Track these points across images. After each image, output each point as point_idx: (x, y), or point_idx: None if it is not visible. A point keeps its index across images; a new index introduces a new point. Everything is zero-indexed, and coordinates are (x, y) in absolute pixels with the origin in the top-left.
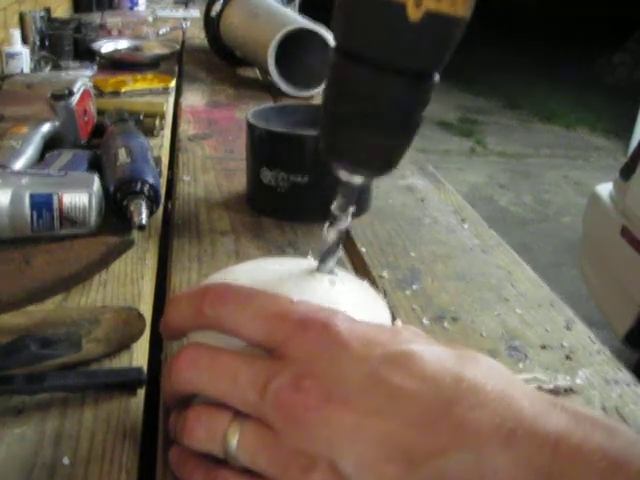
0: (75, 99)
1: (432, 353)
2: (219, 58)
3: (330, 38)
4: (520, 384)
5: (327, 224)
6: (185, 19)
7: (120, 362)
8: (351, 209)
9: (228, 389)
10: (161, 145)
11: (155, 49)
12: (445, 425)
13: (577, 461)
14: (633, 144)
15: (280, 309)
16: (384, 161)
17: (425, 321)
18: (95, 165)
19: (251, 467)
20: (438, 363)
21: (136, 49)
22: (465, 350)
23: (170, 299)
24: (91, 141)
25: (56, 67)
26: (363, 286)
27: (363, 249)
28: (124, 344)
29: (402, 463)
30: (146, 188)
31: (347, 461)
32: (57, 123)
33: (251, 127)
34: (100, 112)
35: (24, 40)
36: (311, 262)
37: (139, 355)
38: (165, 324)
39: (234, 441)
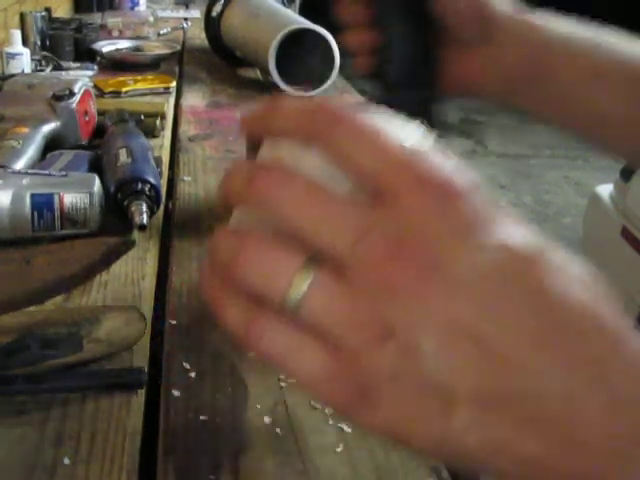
0: (76, 99)
1: (565, 275)
2: (220, 58)
3: (331, 40)
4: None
5: None
6: (186, 19)
7: (121, 362)
8: None
9: (317, 222)
10: (162, 145)
11: (156, 49)
12: (553, 349)
13: None
14: None
15: (401, 152)
16: None
17: None
18: (96, 165)
19: (313, 322)
20: (563, 285)
21: (137, 49)
22: (584, 275)
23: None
24: (92, 141)
25: (57, 67)
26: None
27: None
28: (125, 344)
29: (488, 371)
30: (147, 188)
31: (430, 345)
32: (58, 123)
33: None
34: (101, 112)
35: (25, 40)
36: None
37: (140, 355)
38: (249, 123)
39: (303, 287)
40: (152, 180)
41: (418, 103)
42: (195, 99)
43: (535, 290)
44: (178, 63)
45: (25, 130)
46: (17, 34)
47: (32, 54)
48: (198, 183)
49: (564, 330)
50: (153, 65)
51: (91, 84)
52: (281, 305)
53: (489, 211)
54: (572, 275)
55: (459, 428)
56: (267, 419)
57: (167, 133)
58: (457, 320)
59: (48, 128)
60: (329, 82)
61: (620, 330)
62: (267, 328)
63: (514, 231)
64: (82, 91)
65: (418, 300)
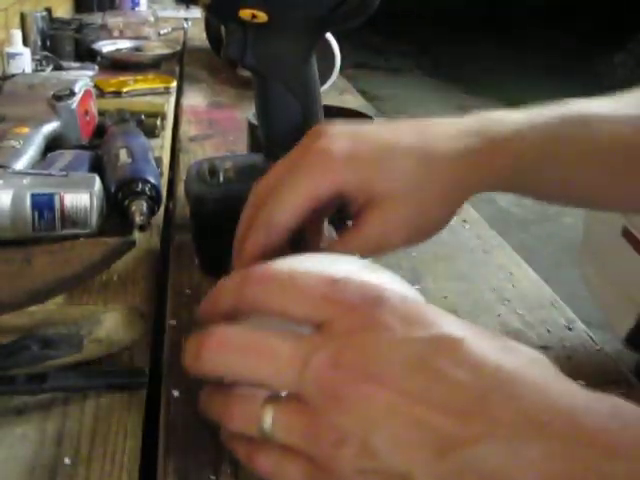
0: (76, 99)
1: (475, 340)
2: (220, 58)
3: (332, 40)
4: (562, 379)
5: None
6: (186, 19)
7: (121, 362)
8: None
9: (264, 369)
10: (162, 145)
11: (156, 49)
12: (480, 414)
13: (614, 456)
14: None
15: (325, 289)
16: None
17: None
18: (96, 165)
19: (286, 444)
20: (480, 351)
21: (137, 49)
22: (508, 341)
23: (210, 291)
24: (92, 141)
25: (57, 67)
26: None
27: None
28: (125, 344)
29: (433, 449)
30: (147, 188)
31: (379, 440)
32: (58, 123)
33: (252, 127)
34: (101, 112)
35: (25, 41)
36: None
37: (140, 355)
38: (203, 313)
39: (269, 420)
40: (152, 180)
41: None
42: (196, 99)
43: (456, 365)
44: (179, 63)
45: (25, 130)
46: (17, 34)
47: (32, 54)
48: None
49: (490, 395)
50: (154, 65)
51: (91, 84)
52: (261, 434)
53: (407, 310)
54: (490, 347)
55: None
56: None
57: (167, 133)
58: (397, 410)
59: (48, 128)
60: (329, 82)
61: (540, 381)
62: (259, 455)
63: (433, 322)
64: (82, 91)
65: (361, 400)
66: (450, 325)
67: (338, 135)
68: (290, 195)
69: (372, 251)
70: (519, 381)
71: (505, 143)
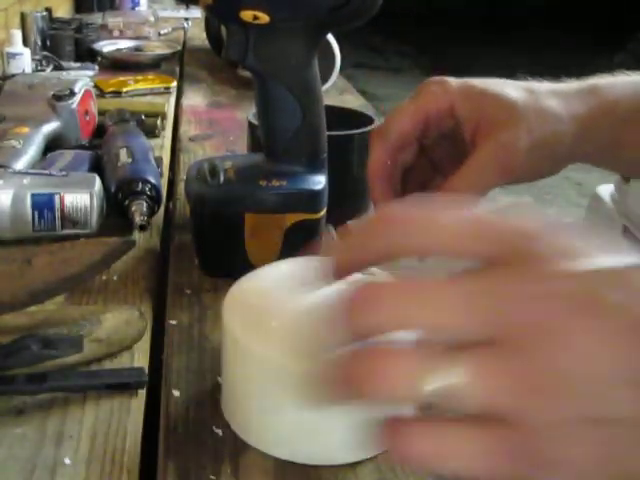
0: (76, 99)
1: None
2: (220, 58)
3: (332, 40)
4: None
5: None
6: (186, 19)
7: (121, 362)
8: None
9: (436, 314)
10: (162, 145)
11: (156, 49)
12: None
13: None
14: None
15: (472, 225)
16: None
17: None
18: (96, 165)
19: (481, 407)
20: None
21: (137, 49)
22: None
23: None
24: (92, 141)
25: (57, 67)
26: None
27: None
28: (125, 344)
29: None
30: (147, 188)
31: (605, 404)
32: (58, 123)
33: (252, 127)
34: (101, 112)
35: (25, 41)
36: None
37: (140, 355)
38: (339, 265)
39: (457, 376)
40: (153, 180)
41: None
42: (196, 99)
43: None
44: (179, 63)
45: (26, 130)
46: (18, 34)
47: (33, 54)
48: None
49: None
50: (154, 65)
51: (92, 84)
52: (436, 408)
53: (565, 243)
54: None
55: None
56: None
57: (168, 133)
58: (620, 370)
59: (49, 128)
60: (329, 82)
61: None
62: (418, 435)
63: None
64: (83, 91)
65: (580, 335)
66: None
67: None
68: (407, 105)
69: (487, 181)
70: None
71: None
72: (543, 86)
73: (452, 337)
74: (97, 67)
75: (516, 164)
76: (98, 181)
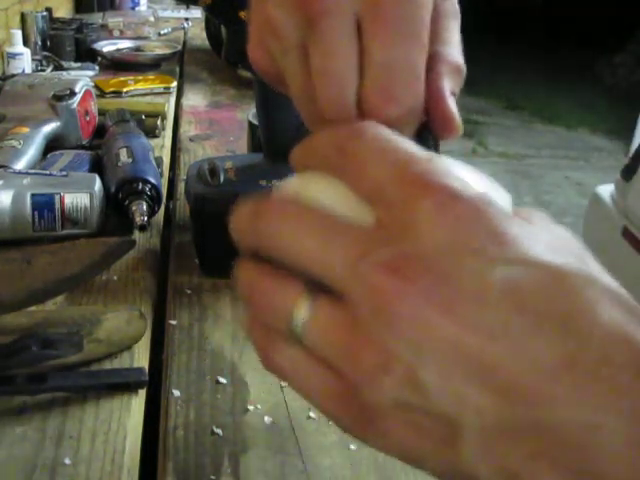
0: (77, 99)
1: (596, 293)
2: (220, 58)
3: None
4: None
5: None
6: (187, 19)
7: (121, 362)
8: None
9: (314, 252)
10: (162, 145)
11: (156, 49)
12: (570, 377)
13: None
14: (634, 145)
15: (411, 158)
16: None
17: None
18: (96, 165)
19: (315, 349)
20: (592, 308)
21: (137, 49)
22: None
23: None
24: (92, 141)
25: (57, 67)
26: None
27: None
28: (125, 344)
29: (497, 401)
30: (147, 188)
31: (431, 374)
32: (59, 123)
33: (252, 127)
34: (101, 112)
35: (25, 41)
36: None
37: (140, 355)
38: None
39: (301, 317)
40: (153, 180)
41: None
42: (196, 99)
43: (559, 312)
44: (179, 63)
45: (26, 130)
46: (18, 34)
47: (33, 54)
48: None
49: (591, 358)
50: (154, 65)
51: (92, 84)
52: (289, 332)
53: (507, 221)
54: (603, 292)
55: (468, 458)
56: (267, 419)
57: (168, 133)
58: (462, 346)
59: (49, 128)
60: None
61: None
62: (278, 352)
63: (537, 243)
64: (83, 91)
65: (419, 326)
66: (553, 252)
67: None
68: None
69: None
70: (630, 347)
71: None
72: None
73: (315, 276)
74: (97, 67)
75: None
76: (98, 181)
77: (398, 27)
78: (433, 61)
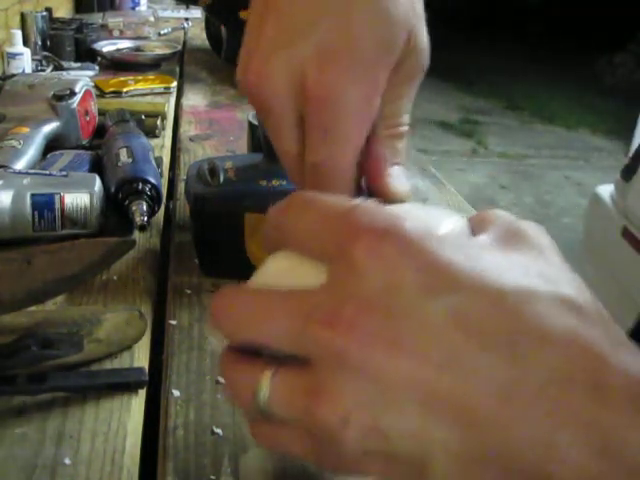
0: (76, 99)
1: (544, 310)
2: (220, 58)
3: None
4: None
5: None
6: (186, 19)
7: (121, 362)
8: None
9: (266, 329)
10: (162, 145)
11: (156, 49)
12: (519, 398)
13: None
14: (634, 145)
15: (336, 212)
16: None
17: None
18: (96, 165)
19: (284, 421)
20: (540, 325)
21: (137, 49)
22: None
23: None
24: (92, 141)
25: (57, 67)
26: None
27: None
28: (125, 344)
29: (456, 428)
30: (147, 188)
31: (389, 421)
32: (59, 123)
33: (252, 127)
34: (101, 112)
35: (25, 40)
36: None
37: (140, 355)
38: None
39: (262, 393)
40: (153, 180)
41: None
42: (196, 99)
43: (503, 332)
44: (179, 63)
45: (26, 130)
46: (18, 34)
47: (33, 54)
48: None
49: (539, 376)
50: (154, 65)
51: (92, 84)
52: (257, 408)
53: (439, 250)
54: (552, 303)
55: None
56: None
57: (168, 133)
58: (414, 381)
59: (49, 128)
60: None
61: (608, 364)
62: (255, 427)
63: (476, 265)
64: (83, 91)
65: (371, 370)
66: (499, 272)
67: None
68: None
69: None
70: (582, 360)
71: None
72: None
73: (277, 352)
74: (97, 67)
75: None
76: (98, 181)
77: (324, 133)
78: (376, 126)
